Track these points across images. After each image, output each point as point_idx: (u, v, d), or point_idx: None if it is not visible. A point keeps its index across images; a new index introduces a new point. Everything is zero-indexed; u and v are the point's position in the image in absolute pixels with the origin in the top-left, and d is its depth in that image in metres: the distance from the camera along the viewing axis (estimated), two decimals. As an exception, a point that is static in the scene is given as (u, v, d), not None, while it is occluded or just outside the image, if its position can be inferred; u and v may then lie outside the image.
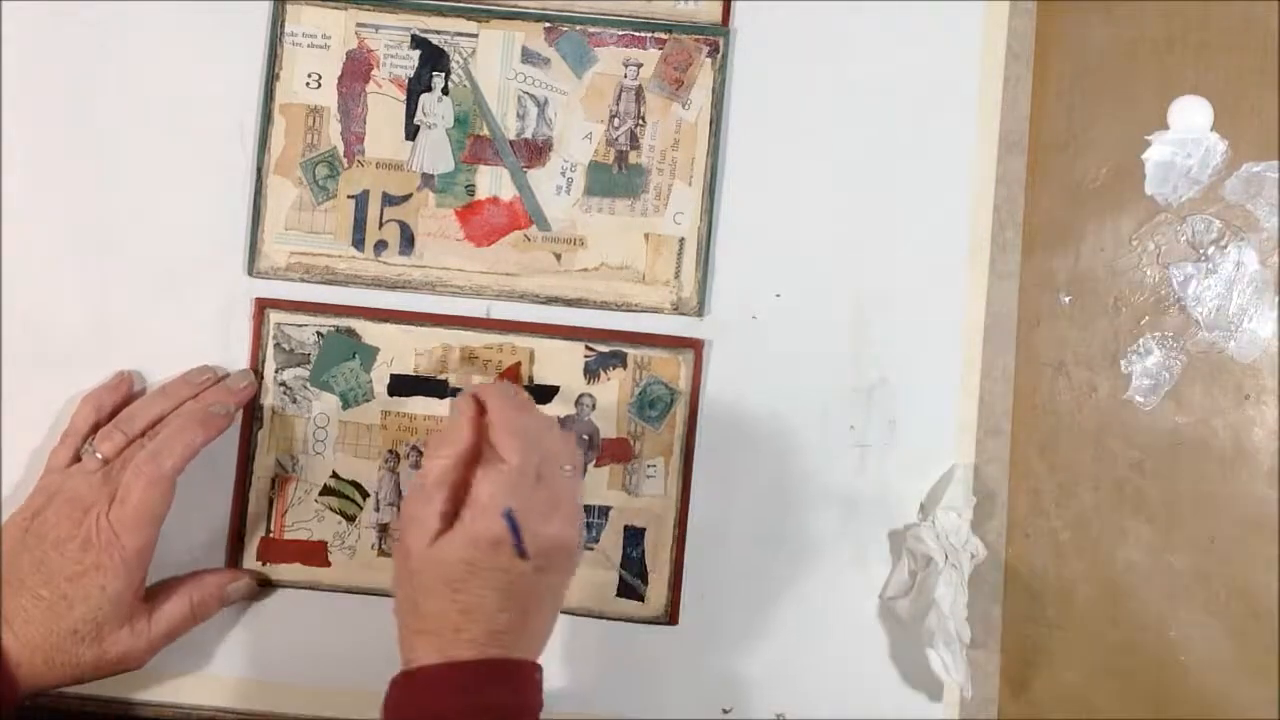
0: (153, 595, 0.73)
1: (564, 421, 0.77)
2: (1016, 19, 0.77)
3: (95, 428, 0.74)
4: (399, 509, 0.77)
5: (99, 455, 0.71)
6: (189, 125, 0.77)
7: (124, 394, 0.75)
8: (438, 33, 0.77)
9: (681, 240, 0.77)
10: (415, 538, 0.64)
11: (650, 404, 0.77)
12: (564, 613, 0.76)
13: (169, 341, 0.77)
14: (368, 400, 0.77)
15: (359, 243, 0.77)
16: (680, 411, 0.77)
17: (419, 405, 0.77)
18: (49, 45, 0.77)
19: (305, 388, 0.77)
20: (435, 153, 0.77)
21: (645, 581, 0.77)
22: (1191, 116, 0.77)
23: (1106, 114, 0.78)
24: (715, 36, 0.77)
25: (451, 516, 0.65)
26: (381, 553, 0.77)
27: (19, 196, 0.77)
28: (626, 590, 0.77)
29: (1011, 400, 0.77)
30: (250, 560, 0.77)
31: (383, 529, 0.77)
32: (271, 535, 0.77)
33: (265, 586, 0.77)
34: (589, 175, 0.77)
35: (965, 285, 0.77)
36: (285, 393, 0.77)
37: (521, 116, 0.77)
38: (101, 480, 0.70)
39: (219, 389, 0.75)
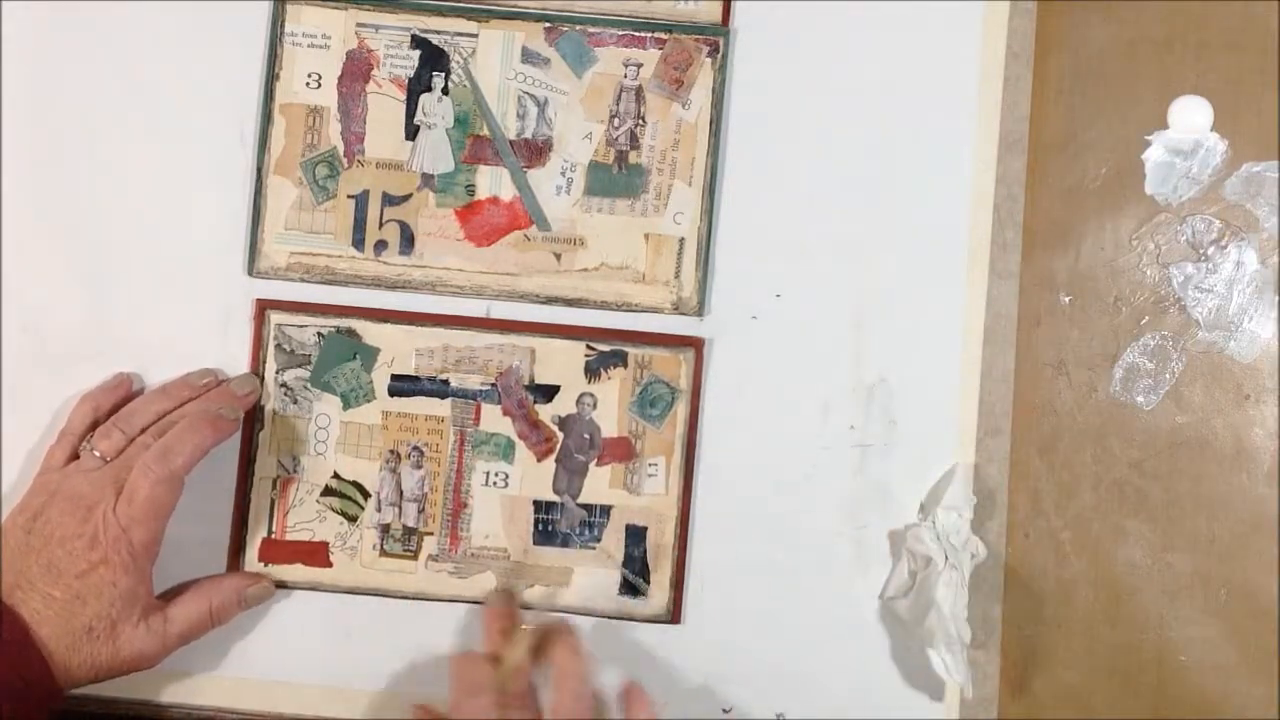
0: (169, 596, 0.73)
1: (565, 421, 0.77)
2: (1016, 19, 0.77)
3: (93, 427, 0.74)
4: (399, 509, 0.77)
5: (97, 453, 0.71)
6: (189, 125, 0.77)
7: (123, 395, 0.75)
8: (438, 33, 0.77)
9: (681, 240, 0.77)
10: None
11: (651, 403, 0.77)
12: (566, 612, 0.77)
13: (169, 341, 0.77)
14: (369, 400, 0.77)
15: (359, 243, 0.77)
16: (681, 410, 0.77)
17: (420, 405, 0.77)
18: (49, 45, 0.77)
19: (306, 388, 0.77)
20: (435, 153, 0.77)
21: (647, 580, 0.77)
22: (1191, 116, 0.77)
23: (1106, 114, 0.78)
24: (715, 36, 0.77)
25: None
26: (383, 553, 0.77)
27: (19, 196, 0.77)
28: (628, 589, 0.77)
29: (1011, 400, 0.77)
30: (252, 561, 0.77)
31: (384, 529, 0.77)
32: (273, 536, 0.77)
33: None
34: (589, 175, 0.77)
35: (965, 285, 0.77)
36: (286, 393, 0.77)
37: (521, 116, 0.77)
38: (103, 478, 0.70)
39: (224, 392, 0.75)
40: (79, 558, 0.68)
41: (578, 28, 0.77)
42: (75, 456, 0.73)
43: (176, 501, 0.70)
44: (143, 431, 0.72)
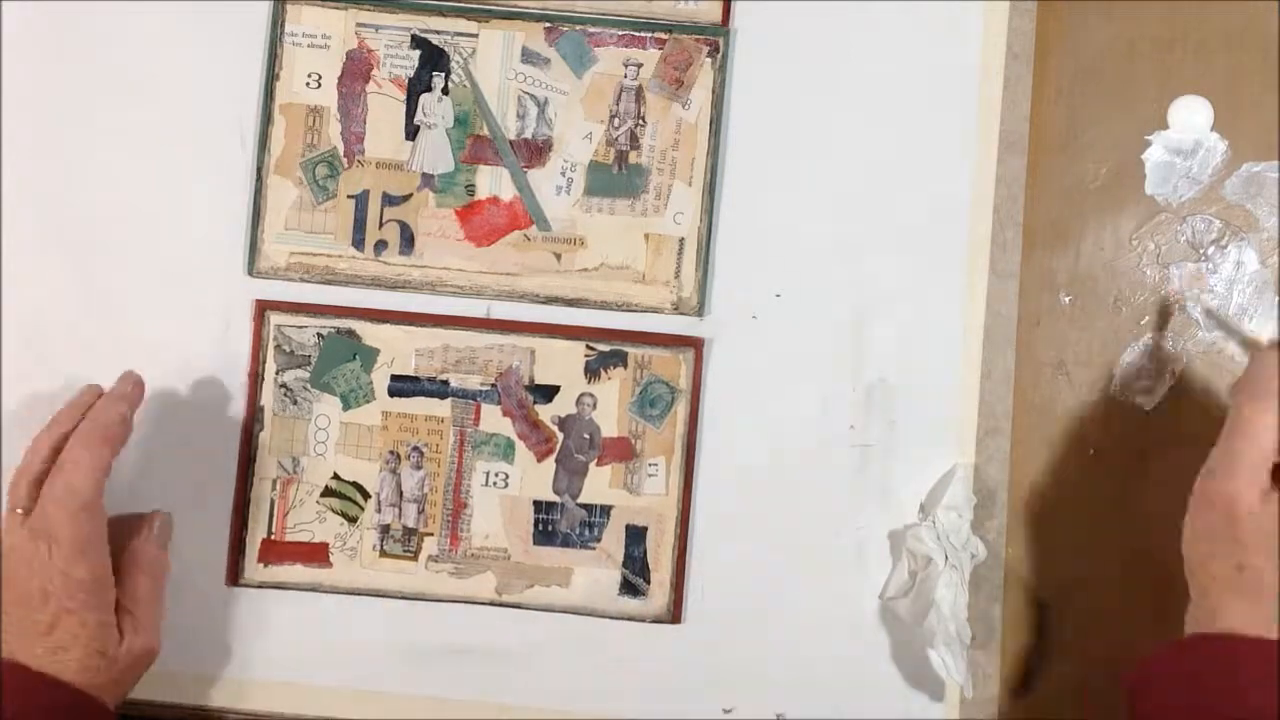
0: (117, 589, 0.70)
1: (565, 421, 0.77)
2: (1016, 19, 0.77)
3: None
4: (399, 509, 0.77)
5: (19, 511, 0.68)
6: (189, 125, 0.77)
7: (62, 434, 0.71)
8: (438, 33, 0.77)
9: (681, 240, 0.77)
10: (1246, 490, 0.62)
11: (651, 403, 0.77)
12: (566, 612, 0.77)
13: (169, 341, 0.77)
14: (368, 401, 0.77)
15: (359, 243, 0.77)
16: (681, 410, 0.77)
17: (420, 406, 0.77)
18: (49, 45, 0.77)
19: (306, 389, 0.77)
20: (435, 153, 0.77)
21: (647, 580, 0.77)
22: (1191, 116, 0.77)
23: (1106, 114, 0.78)
24: (715, 36, 0.77)
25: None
26: (383, 554, 0.77)
27: (19, 196, 0.77)
28: (628, 589, 0.77)
29: (1011, 400, 0.77)
30: (252, 562, 0.77)
31: (384, 530, 0.77)
32: (273, 537, 0.77)
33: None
34: (589, 175, 0.77)
35: (965, 285, 0.77)
36: (286, 394, 0.77)
37: (521, 116, 0.77)
38: (27, 532, 0.67)
39: (106, 399, 0.71)
40: (38, 613, 0.66)
41: (578, 28, 0.77)
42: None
43: (102, 520, 0.68)
44: (47, 468, 0.68)
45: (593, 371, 0.77)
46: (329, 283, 0.77)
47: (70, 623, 0.67)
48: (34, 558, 0.67)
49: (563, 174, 0.77)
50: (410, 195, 0.77)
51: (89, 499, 0.67)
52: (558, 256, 0.77)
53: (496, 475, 0.77)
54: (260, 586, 0.77)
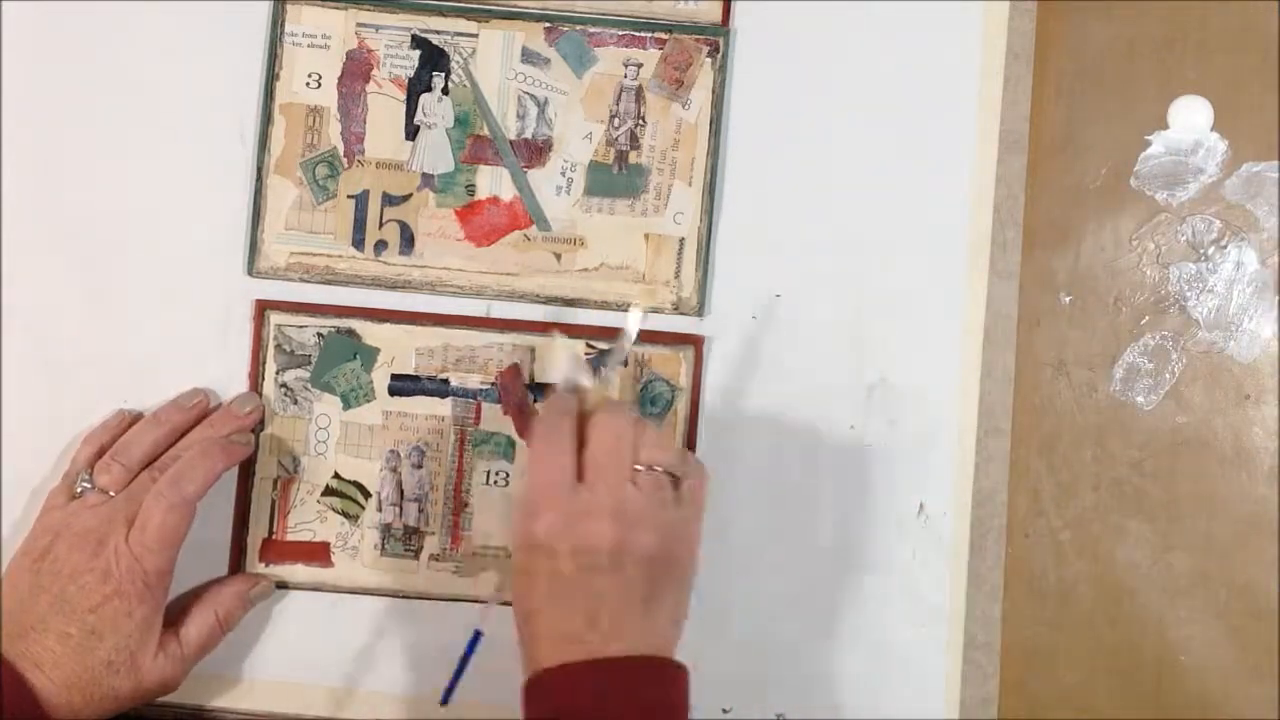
0: (175, 614, 0.72)
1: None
2: (1016, 19, 0.77)
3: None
4: (400, 509, 0.77)
5: (100, 488, 0.70)
6: (189, 125, 0.77)
7: (122, 432, 0.74)
8: (438, 33, 0.77)
9: (681, 240, 0.77)
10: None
11: (651, 401, 0.77)
12: (565, 612, 0.77)
13: (169, 342, 0.77)
14: (369, 401, 0.77)
15: (359, 243, 0.77)
16: (681, 409, 0.77)
17: (420, 405, 0.77)
18: (49, 45, 0.77)
19: (306, 389, 0.77)
20: (435, 153, 0.77)
21: (646, 580, 0.77)
22: (1191, 116, 0.77)
23: (1106, 114, 0.78)
24: (715, 36, 0.77)
25: None
26: (384, 553, 0.77)
27: (19, 197, 0.77)
28: (627, 589, 0.77)
29: (1011, 400, 0.77)
30: (253, 561, 0.77)
31: (385, 529, 0.77)
32: (274, 536, 0.77)
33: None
34: (589, 175, 0.77)
35: (965, 285, 0.77)
36: (286, 394, 0.77)
37: (521, 116, 0.77)
38: (111, 511, 0.69)
39: (228, 416, 0.75)
40: (91, 591, 0.67)
41: (578, 28, 0.77)
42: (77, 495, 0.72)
43: (188, 529, 0.69)
44: (145, 466, 0.72)
45: (593, 370, 0.77)
46: (329, 283, 0.77)
47: (117, 608, 0.67)
48: (111, 536, 0.68)
49: (563, 174, 0.77)
50: (410, 195, 0.77)
51: (190, 499, 0.69)
52: (558, 256, 0.77)
53: (497, 474, 0.77)
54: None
